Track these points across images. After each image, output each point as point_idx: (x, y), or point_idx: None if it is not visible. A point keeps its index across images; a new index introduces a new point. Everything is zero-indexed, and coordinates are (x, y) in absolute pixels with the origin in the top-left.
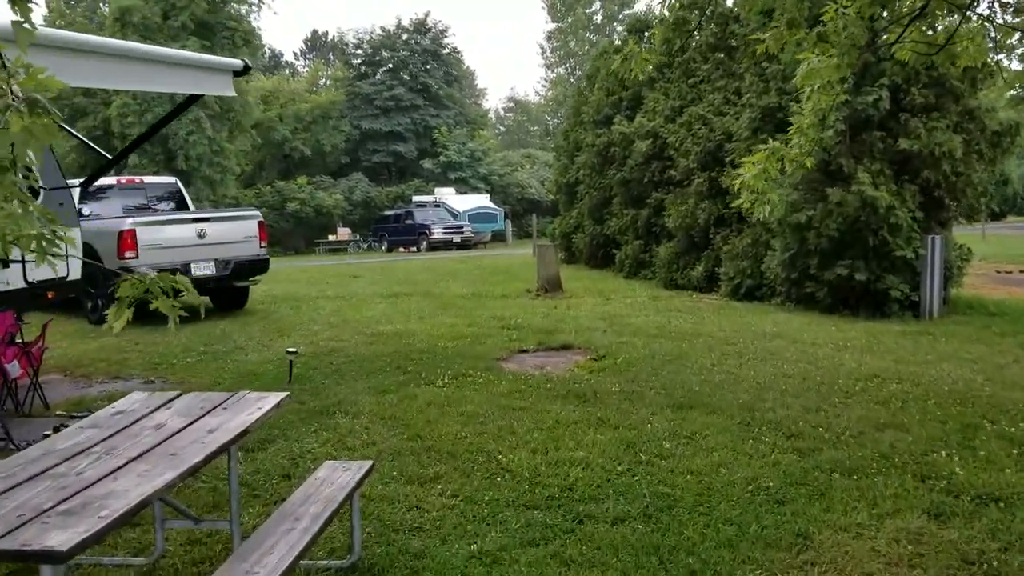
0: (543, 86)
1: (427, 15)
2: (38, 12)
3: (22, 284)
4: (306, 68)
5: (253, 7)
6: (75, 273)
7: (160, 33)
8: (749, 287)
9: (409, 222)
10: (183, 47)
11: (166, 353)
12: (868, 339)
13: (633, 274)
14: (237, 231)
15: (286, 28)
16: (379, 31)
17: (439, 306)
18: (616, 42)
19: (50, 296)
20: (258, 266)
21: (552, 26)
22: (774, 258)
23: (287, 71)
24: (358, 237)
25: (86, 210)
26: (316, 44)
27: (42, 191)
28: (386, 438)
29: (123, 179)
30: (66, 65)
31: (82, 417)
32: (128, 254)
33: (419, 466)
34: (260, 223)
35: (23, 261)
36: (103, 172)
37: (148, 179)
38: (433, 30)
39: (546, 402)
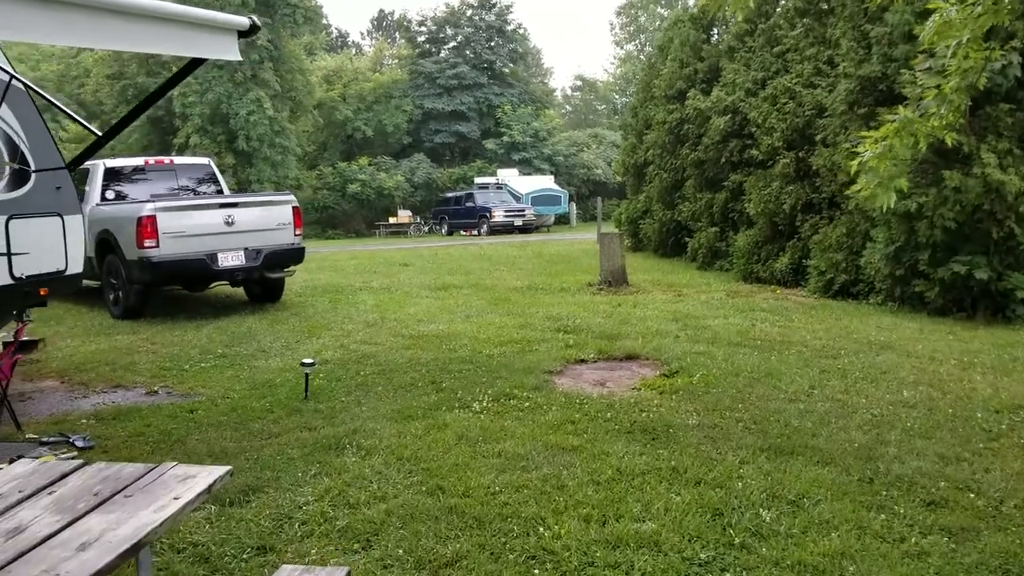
0: (612, 63)
1: None
2: None
3: (8, 280)
4: (371, 47)
5: None
6: (75, 265)
7: (218, 9)
8: (843, 283)
9: (470, 204)
10: None
11: (180, 356)
12: (997, 353)
13: (707, 265)
14: (269, 217)
15: (353, 7)
16: (443, 8)
17: (490, 302)
18: None
19: (43, 293)
20: (292, 256)
21: (622, 0)
22: (875, 251)
23: (353, 51)
24: (419, 220)
25: (110, 194)
26: (382, 23)
27: (33, 174)
28: (399, 490)
29: (151, 160)
30: (41, 21)
31: (56, 443)
32: (148, 243)
33: (435, 538)
34: (294, 208)
35: (8, 254)
36: (91, 152)
37: (179, 160)
38: (498, 5)
39: (605, 439)
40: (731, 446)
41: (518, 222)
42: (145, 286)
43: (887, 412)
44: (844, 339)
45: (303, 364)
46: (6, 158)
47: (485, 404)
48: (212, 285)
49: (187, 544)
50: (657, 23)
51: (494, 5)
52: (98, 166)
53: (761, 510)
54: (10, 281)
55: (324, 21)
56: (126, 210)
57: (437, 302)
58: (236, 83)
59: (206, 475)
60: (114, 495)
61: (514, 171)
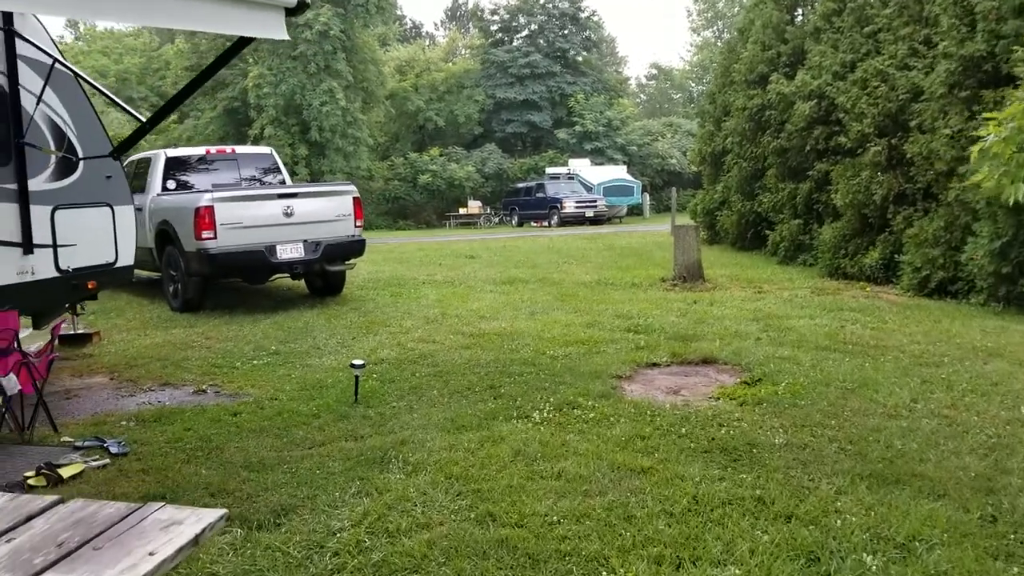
0: (688, 51)
1: None
2: None
3: (53, 273)
4: (444, 38)
5: None
6: (126, 258)
7: None
8: (941, 281)
9: (540, 195)
10: (316, 16)
11: (233, 352)
12: None
13: (789, 259)
14: (329, 208)
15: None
16: None
17: (556, 297)
18: None
19: (91, 286)
20: (352, 248)
21: None
22: (977, 246)
23: (426, 41)
24: (489, 210)
25: (170, 184)
26: (456, 13)
27: (81, 163)
28: (445, 516)
29: (213, 149)
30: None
31: (90, 447)
32: (205, 234)
33: None
34: (355, 199)
35: (54, 245)
36: (136, 138)
37: (241, 149)
38: None
39: (679, 459)
40: (824, 471)
41: (589, 213)
42: (203, 278)
43: (1004, 433)
44: (945, 344)
45: (353, 366)
46: (52, 146)
47: (546, 414)
48: (272, 278)
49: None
50: (736, 8)
51: None
52: (159, 155)
53: (864, 555)
54: (56, 274)
55: (398, 12)
56: (184, 201)
57: (501, 297)
58: (309, 74)
59: (194, 521)
60: (81, 546)
61: (586, 161)
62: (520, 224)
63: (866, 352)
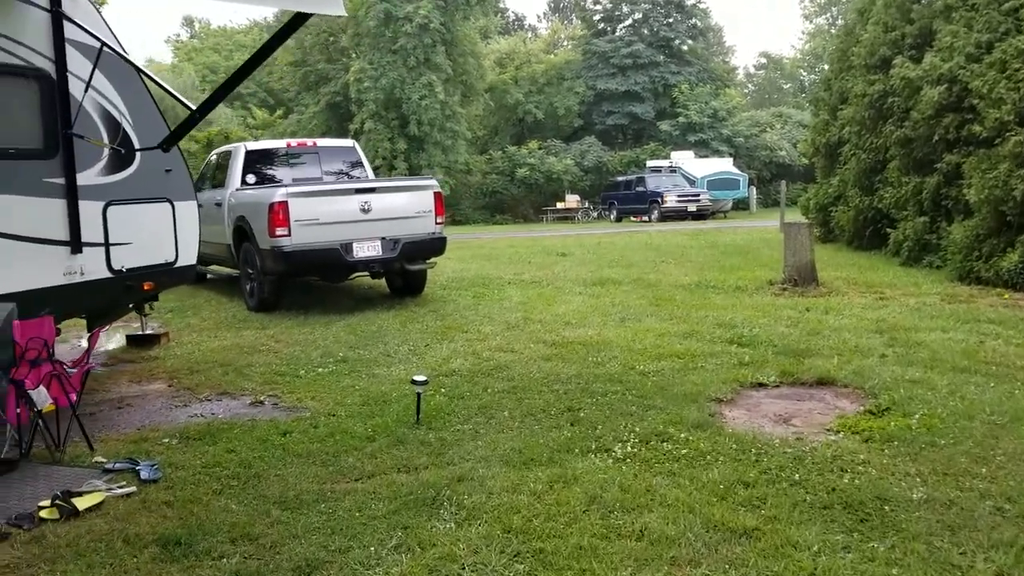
0: (800, 39)
1: None
2: None
3: (105, 273)
4: (546, 30)
5: None
6: (187, 257)
7: None
8: None
9: (640, 189)
10: (417, 9)
11: (299, 358)
12: None
13: (913, 260)
14: (408, 204)
15: None
16: None
17: (651, 301)
18: None
19: (147, 288)
20: (432, 247)
21: None
22: None
23: (528, 34)
24: (587, 205)
25: (250, 178)
26: (559, 5)
27: (138, 155)
28: None
29: (293, 142)
30: None
31: (121, 471)
32: (279, 231)
33: None
34: (436, 194)
35: (106, 244)
36: (186, 128)
37: (322, 142)
38: None
39: (793, 518)
40: (979, 542)
41: (692, 207)
42: (278, 277)
43: None
44: None
45: (415, 382)
46: (105, 138)
47: (630, 447)
48: (351, 277)
49: None
50: None
51: None
52: (239, 149)
53: None
54: (108, 275)
55: (500, 5)
56: (259, 196)
57: (591, 300)
58: (409, 68)
59: None
60: None
61: (689, 153)
62: (619, 219)
63: (1014, 375)
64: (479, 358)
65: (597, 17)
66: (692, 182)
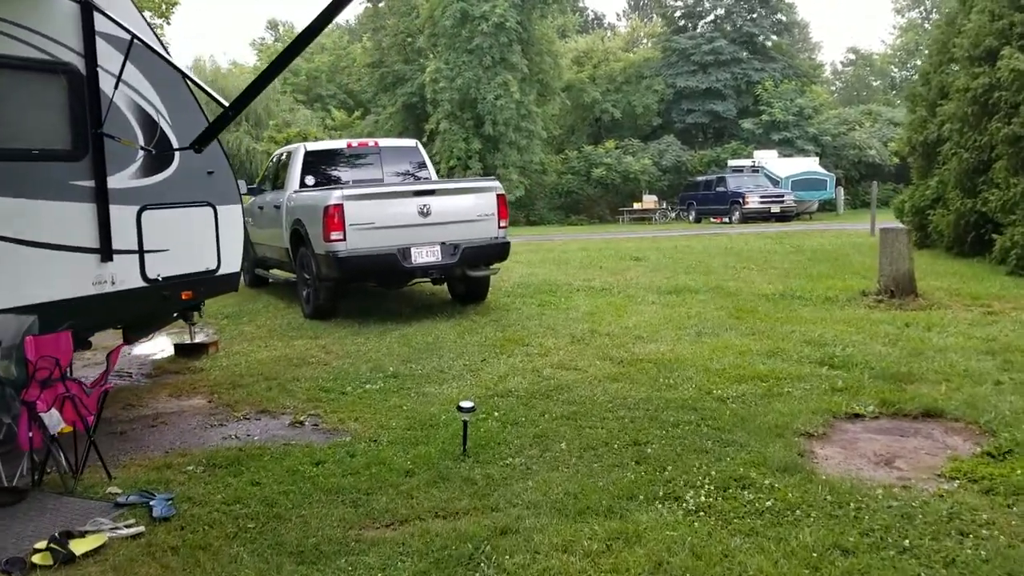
0: (891, 34)
1: None
2: None
3: (138, 282)
4: (626, 28)
5: None
6: (230, 264)
7: None
8: None
9: (721, 189)
10: (493, 7)
11: (348, 372)
12: None
13: (1022, 269)
14: (469, 207)
15: None
16: None
17: (731, 313)
18: None
19: (185, 297)
20: (495, 252)
21: None
22: None
23: (607, 32)
24: (665, 205)
25: (308, 179)
26: (639, 3)
27: (177, 156)
28: None
29: (354, 142)
30: None
31: (133, 504)
32: (334, 235)
33: None
34: (499, 196)
35: (140, 251)
36: (219, 126)
37: (384, 142)
38: None
39: None
40: None
41: (775, 209)
42: (334, 283)
43: None
44: None
45: (460, 409)
46: (140, 138)
47: (704, 496)
48: (412, 283)
49: None
50: None
51: None
52: (298, 149)
53: None
54: (142, 283)
55: (580, 4)
56: (314, 198)
57: (664, 311)
58: (485, 67)
59: None
60: None
61: (773, 153)
62: (697, 220)
63: None
64: (539, 376)
65: (678, 14)
66: (776, 182)
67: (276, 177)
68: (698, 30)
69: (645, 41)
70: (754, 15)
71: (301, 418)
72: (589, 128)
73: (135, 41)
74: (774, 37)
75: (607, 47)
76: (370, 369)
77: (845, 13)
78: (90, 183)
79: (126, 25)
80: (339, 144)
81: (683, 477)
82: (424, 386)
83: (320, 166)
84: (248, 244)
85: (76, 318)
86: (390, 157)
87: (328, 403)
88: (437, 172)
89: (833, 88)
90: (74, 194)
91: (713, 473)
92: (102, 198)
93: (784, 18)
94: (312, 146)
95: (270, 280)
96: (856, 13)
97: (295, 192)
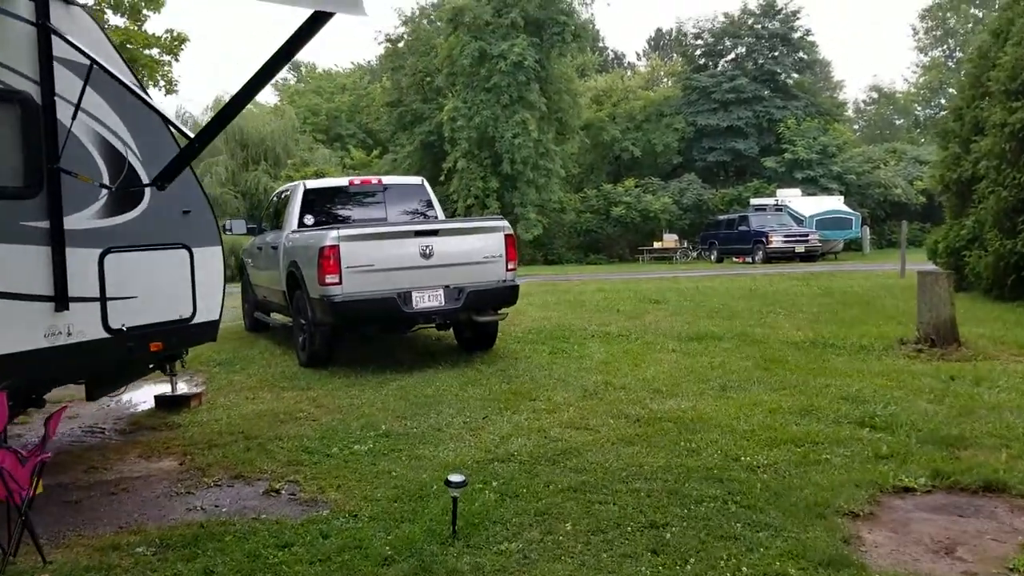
0: (913, 72)
1: None
2: None
3: (99, 333)
4: (646, 68)
5: (586, 1)
6: (207, 311)
7: (489, 32)
8: None
9: (743, 228)
10: (511, 46)
11: (336, 430)
12: None
13: None
14: (475, 248)
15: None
16: (721, 18)
17: (758, 364)
18: None
19: (154, 348)
20: (502, 296)
21: (928, 2)
22: None
23: (627, 71)
24: (685, 244)
25: (308, 219)
26: (659, 43)
27: (147, 194)
28: None
29: (356, 179)
30: None
31: None
32: (329, 278)
33: None
34: (507, 236)
35: (102, 298)
36: (184, 160)
37: (388, 179)
38: (783, 12)
39: None
40: None
41: (800, 248)
42: (330, 329)
43: None
44: None
45: (449, 484)
46: (104, 174)
47: None
48: (414, 329)
49: None
50: (969, 25)
51: (779, 12)
52: (297, 187)
53: None
54: (103, 334)
55: (600, 44)
56: (310, 239)
57: (685, 360)
58: (503, 106)
59: None
60: None
61: (796, 191)
62: (719, 260)
63: None
64: (545, 437)
65: (698, 52)
66: (800, 221)
67: (276, 216)
68: (719, 68)
69: (665, 80)
70: (776, 53)
71: (277, 485)
72: (608, 166)
73: (96, 67)
74: (795, 75)
75: (627, 85)
76: (361, 426)
77: (865, 50)
78: (44, 224)
79: (85, 49)
80: (341, 182)
81: (709, 574)
82: (418, 447)
83: (320, 205)
84: (248, 286)
85: (23, 374)
86: (395, 195)
87: (310, 467)
88: (455, 211)
89: (855, 127)
90: (25, 236)
91: (744, 569)
92: (58, 240)
93: (806, 56)
94: (312, 184)
95: (271, 325)
96: (877, 51)
97: (292, 232)
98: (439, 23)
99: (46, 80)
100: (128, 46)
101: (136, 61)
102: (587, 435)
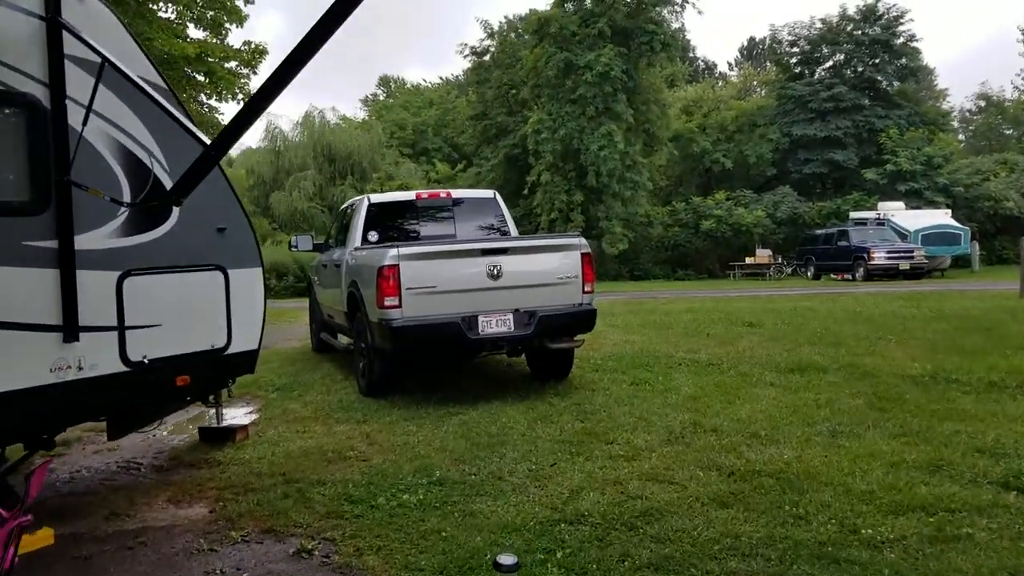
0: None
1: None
2: None
3: (116, 367)
4: (738, 78)
5: (676, 9)
6: (244, 341)
7: (576, 42)
8: None
9: (842, 243)
10: (598, 57)
11: (386, 475)
12: None
13: None
14: (549, 269)
15: (721, 38)
16: (818, 24)
17: (870, 402)
18: None
19: (181, 383)
20: (578, 321)
21: None
22: None
23: (719, 82)
24: (780, 260)
25: (372, 235)
26: (752, 52)
27: (175, 208)
28: None
29: (424, 193)
30: None
31: None
32: (388, 301)
33: None
34: (584, 255)
35: (120, 327)
36: (201, 169)
37: (457, 193)
38: (885, 17)
39: None
40: None
41: (904, 265)
42: (389, 357)
43: None
44: None
45: (498, 567)
46: (126, 189)
47: None
48: (480, 356)
49: None
50: None
51: (880, 16)
52: (362, 201)
53: None
54: (121, 368)
55: (691, 54)
56: (368, 258)
57: (786, 396)
58: (588, 117)
59: None
60: None
61: (899, 204)
62: (816, 277)
63: None
64: (622, 492)
65: (794, 60)
66: (904, 236)
67: (341, 232)
68: (815, 76)
69: (758, 89)
70: (876, 60)
71: (310, 545)
72: (698, 179)
73: (113, 67)
74: (898, 82)
75: (718, 95)
76: (414, 470)
77: (972, 58)
78: (51, 243)
79: (98, 47)
80: (407, 195)
81: None
82: (474, 500)
83: (385, 220)
84: (315, 305)
85: (24, 414)
86: (465, 210)
87: (350, 521)
88: (538, 225)
89: (961, 137)
90: (29, 257)
91: None
92: (67, 262)
93: (909, 63)
94: (377, 198)
95: (336, 348)
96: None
97: (354, 249)
98: (525, 36)
99: (56, 81)
100: (207, 59)
101: (214, 73)
102: (671, 491)
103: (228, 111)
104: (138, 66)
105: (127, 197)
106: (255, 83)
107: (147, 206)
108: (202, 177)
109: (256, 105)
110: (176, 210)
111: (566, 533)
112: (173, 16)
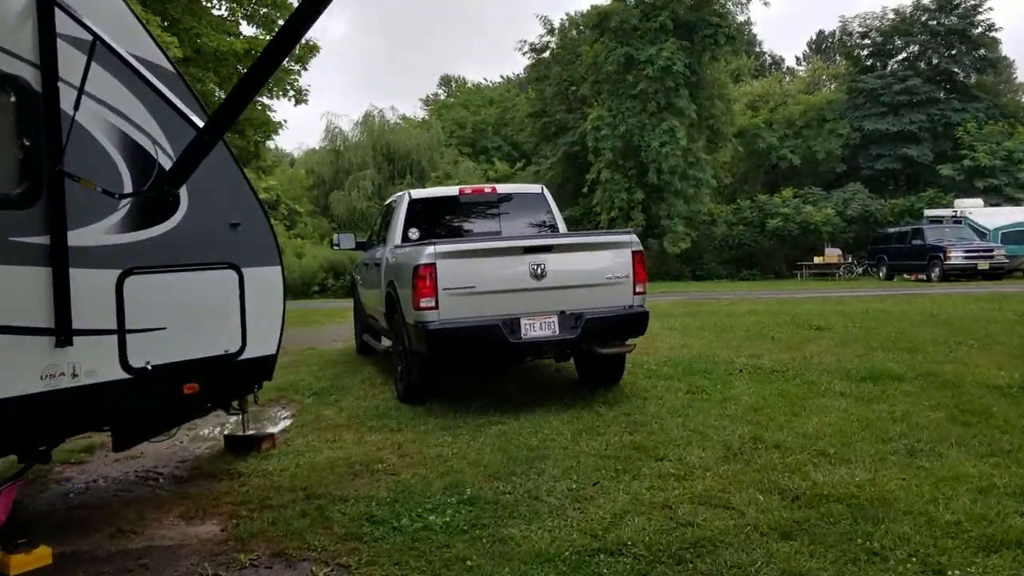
0: None
1: None
2: None
3: (116, 374)
4: (806, 72)
5: (742, 2)
6: (260, 346)
7: (637, 36)
8: None
9: (917, 242)
10: (659, 51)
11: (414, 491)
12: None
13: None
14: (597, 268)
15: (790, 31)
16: (891, 15)
17: (951, 416)
18: None
19: (188, 391)
20: (628, 324)
21: None
22: None
23: (786, 77)
24: (850, 260)
25: (413, 232)
26: (821, 45)
27: (184, 203)
28: None
29: (468, 188)
30: None
31: None
32: (424, 302)
33: None
34: (636, 254)
35: (120, 331)
36: (195, 155)
37: (503, 188)
38: (962, 6)
39: None
40: None
41: (983, 265)
42: (426, 361)
43: None
44: None
45: None
46: (127, 179)
47: None
48: (524, 361)
49: None
50: None
51: (957, 6)
52: (403, 197)
53: None
54: (121, 375)
55: (757, 48)
56: (405, 256)
57: (858, 408)
58: (649, 113)
59: None
60: None
61: (978, 201)
62: (889, 277)
63: None
64: (671, 518)
65: (865, 52)
66: (982, 235)
67: (383, 229)
68: (888, 69)
69: (828, 83)
70: (953, 51)
71: (322, 572)
72: (764, 176)
73: (104, 45)
74: (976, 74)
75: (785, 90)
76: (444, 487)
77: None
78: (42, 239)
79: (91, 25)
80: (451, 191)
81: None
82: (506, 523)
83: (427, 216)
84: (359, 306)
85: (11, 425)
86: (511, 205)
87: (369, 544)
88: (598, 223)
89: None
90: (16, 254)
91: None
92: (60, 259)
93: (987, 53)
94: (418, 193)
95: (377, 350)
96: None
97: (394, 247)
98: (585, 31)
99: (48, 62)
100: (255, 54)
101: None
102: (727, 518)
103: (280, 108)
104: (138, 45)
105: (130, 189)
106: (304, 80)
107: (132, 196)
108: (197, 164)
109: (243, 89)
110: (184, 204)
111: (605, 566)
112: (226, 13)
